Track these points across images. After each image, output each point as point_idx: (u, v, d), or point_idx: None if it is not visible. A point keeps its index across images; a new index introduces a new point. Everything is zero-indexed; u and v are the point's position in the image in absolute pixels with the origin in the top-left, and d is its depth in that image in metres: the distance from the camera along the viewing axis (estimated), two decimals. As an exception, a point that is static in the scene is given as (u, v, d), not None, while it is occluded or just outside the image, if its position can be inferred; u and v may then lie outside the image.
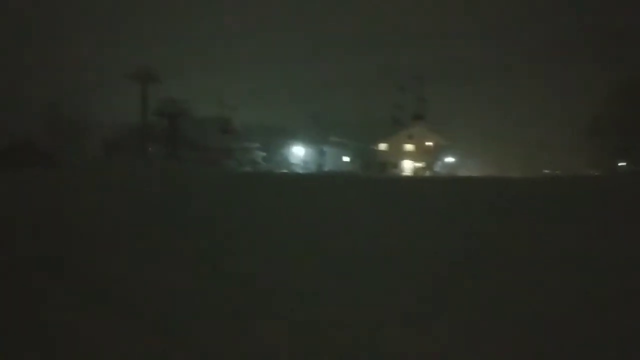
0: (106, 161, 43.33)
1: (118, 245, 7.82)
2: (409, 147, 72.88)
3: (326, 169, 67.92)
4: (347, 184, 24.86)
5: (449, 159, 73.63)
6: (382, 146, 75.14)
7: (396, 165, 70.90)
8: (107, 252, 7.25)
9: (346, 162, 77.12)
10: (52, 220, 10.09)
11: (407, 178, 40.86)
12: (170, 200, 14.67)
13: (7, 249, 7.23)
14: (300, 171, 58.08)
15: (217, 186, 21.45)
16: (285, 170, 57.27)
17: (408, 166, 71.60)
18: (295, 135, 75.65)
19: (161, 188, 19.58)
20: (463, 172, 61.63)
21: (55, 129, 64.98)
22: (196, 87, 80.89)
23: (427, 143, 72.19)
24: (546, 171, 64.16)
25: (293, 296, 5.30)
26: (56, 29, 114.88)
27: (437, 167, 70.51)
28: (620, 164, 55.01)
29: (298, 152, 76.06)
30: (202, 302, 5.03)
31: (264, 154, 71.33)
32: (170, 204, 13.88)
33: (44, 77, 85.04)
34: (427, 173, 65.88)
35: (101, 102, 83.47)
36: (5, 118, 64.03)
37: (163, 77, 50.66)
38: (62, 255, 7.05)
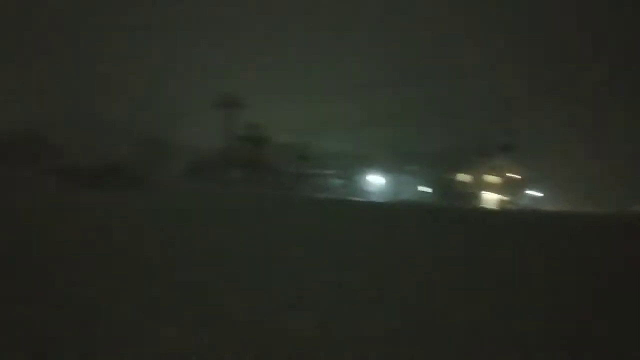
0: (190, 184, 44.76)
1: (199, 265, 7.62)
2: (492, 178, 69.94)
3: (402, 198, 66.66)
4: (423, 214, 24.02)
5: (536, 193, 70.04)
6: (463, 177, 72.70)
7: (477, 197, 68.22)
8: (186, 271, 7.05)
9: (423, 192, 75.40)
10: (136, 241, 10.14)
11: (488, 211, 39.07)
12: (246, 223, 14.63)
13: (95, 264, 7.21)
14: (376, 199, 57.33)
15: (290, 211, 21.38)
16: (360, 198, 56.79)
17: (490, 198, 68.66)
18: (372, 162, 75.17)
19: (239, 210, 19.75)
20: (550, 207, 58.28)
21: (144, 153, 68.64)
22: (277, 114, 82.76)
23: (512, 175, 68.97)
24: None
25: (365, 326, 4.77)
26: (144, 56, 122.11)
27: (522, 201, 67.17)
28: None
29: (374, 180, 75.42)
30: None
31: (340, 180, 71.34)
32: (246, 226, 13.80)
33: (134, 103, 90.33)
34: (511, 207, 62.86)
35: (188, 127, 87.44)
36: (97, 142, 68.42)
37: (246, 104, 52.19)
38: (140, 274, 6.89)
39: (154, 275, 7.21)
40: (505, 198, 67.89)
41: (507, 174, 69.08)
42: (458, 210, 31.92)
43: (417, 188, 75.66)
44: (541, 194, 70.67)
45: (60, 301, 5.61)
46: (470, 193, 67.93)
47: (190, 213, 18.45)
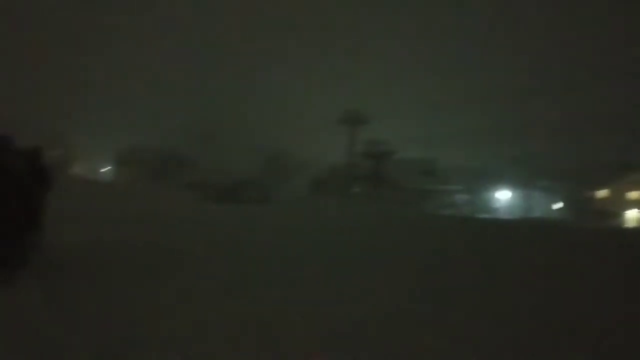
0: (312, 199, 45.55)
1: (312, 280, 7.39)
2: (636, 194, 63.09)
3: (533, 215, 62.24)
4: (558, 233, 22.00)
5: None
6: (601, 193, 66.45)
7: (618, 215, 61.85)
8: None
9: (557, 209, 69.99)
10: (265, 254, 10.21)
11: (631, 230, 34.95)
12: (369, 240, 14.23)
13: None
14: (504, 217, 54.19)
15: (414, 228, 20.66)
16: (488, 215, 54.02)
17: (634, 216, 61.89)
18: (499, 178, 71.45)
19: (361, 227, 19.45)
20: None
21: (270, 169, 71.38)
22: (400, 128, 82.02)
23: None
24: None
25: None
26: (270, 74, 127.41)
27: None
28: None
29: (502, 196, 71.61)
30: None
31: (467, 196, 68.66)
32: (369, 243, 13.40)
33: (262, 122, 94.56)
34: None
35: (312, 143, 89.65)
36: (231, 159, 72.36)
37: (370, 119, 52.26)
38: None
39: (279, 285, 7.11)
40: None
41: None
42: (598, 229, 28.96)
43: (550, 205, 70.57)
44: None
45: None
46: (611, 211, 61.80)
47: (314, 228, 18.48)
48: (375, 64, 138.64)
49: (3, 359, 4.05)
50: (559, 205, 70.58)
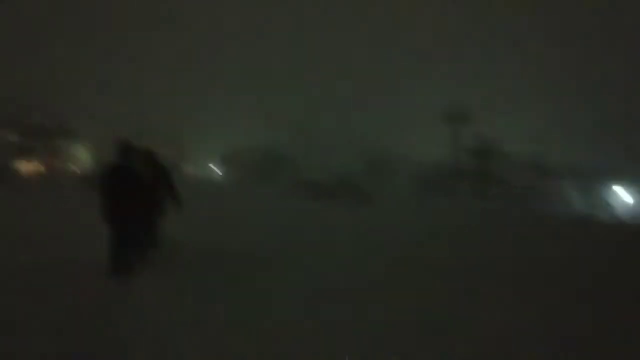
0: (416, 198, 44.60)
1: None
2: None
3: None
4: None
5: None
6: None
7: None
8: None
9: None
10: (361, 256, 9.98)
11: None
12: (476, 240, 13.48)
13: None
14: (621, 217, 49.62)
15: (523, 228, 19.44)
16: (602, 215, 49.82)
17: None
18: (619, 174, 65.76)
19: (468, 226, 18.61)
20: None
21: (373, 167, 71.02)
22: (508, 124, 78.30)
23: None
24: None
25: None
26: (371, 73, 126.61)
27: None
28: None
29: (619, 195, 65.86)
30: None
31: (579, 194, 64.03)
32: (475, 243, 12.68)
33: (363, 121, 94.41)
34: None
35: (415, 141, 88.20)
36: (334, 158, 72.94)
37: (475, 115, 50.26)
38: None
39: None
40: None
41: None
42: None
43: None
44: None
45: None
46: None
47: (419, 228, 17.96)
48: (480, 58, 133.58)
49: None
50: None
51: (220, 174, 78.63)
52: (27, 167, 51.30)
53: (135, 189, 6.74)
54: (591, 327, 5.73)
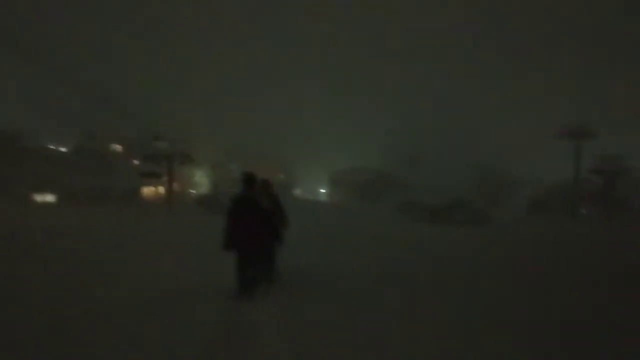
0: (530, 220, 41.97)
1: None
2: None
3: None
4: None
5: None
6: None
7: None
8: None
9: None
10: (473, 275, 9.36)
11: None
12: (595, 262, 12.16)
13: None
14: None
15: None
16: None
17: None
18: None
19: (588, 249, 16.92)
20: None
21: (484, 188, 68.28)
22: (632, 142, 71.83)
23: None
24: None
25: None
26: (480, 91, 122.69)
27: None
28: None
29: None
30: None
31: None
32: (597, 265, 11.42)
33: (474, 139, 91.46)
34: None
35: (529, 160, 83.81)
36: (443, 179, 71.26)
37: (599, 133, 46.40)
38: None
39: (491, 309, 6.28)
40: None
41: None
42: None
43: None
44: None
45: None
46: None
47: (535, 248, 16.72)
48: (597, 72, 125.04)
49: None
50: None
51: (328, 196, 79.72)
52: (150, 190, 55.44)
53: (259, 217, 7.24)
54: None
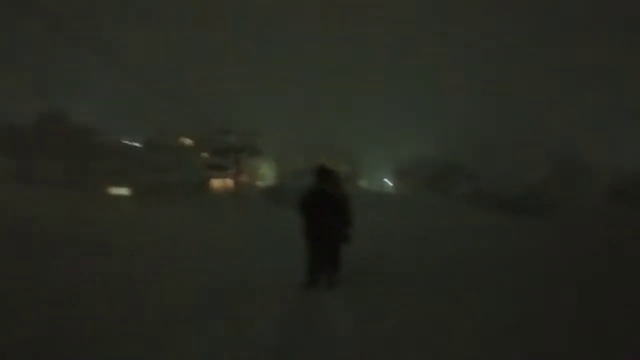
0: (610, 210, 39.54)
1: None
2: None
3: None
4: None
5: None
6: None
7: None
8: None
9: None
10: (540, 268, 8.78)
11: None
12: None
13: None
14: None
15: None
16: None
17: None
18: None
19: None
20: None
21: (558, 177, 65.24)
22: None
23: None
24: None
25: None
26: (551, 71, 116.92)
27: None
28: None
29: None
30: None
31: None
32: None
33: (548, 125, 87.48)
34: None
35: (608, 146, 79.30)
36: (515, 168, 68.61)
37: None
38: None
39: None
40: None
41: None
42: None
43: None
44: None
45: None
46: None
47: (613, 240, 15.64)
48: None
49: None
50: None
51: (393, 186, 78.70)
52: (219, 182, 56.70)
53: (334, 211, 7.26)
54: None
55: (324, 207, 7.24)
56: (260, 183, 73.25)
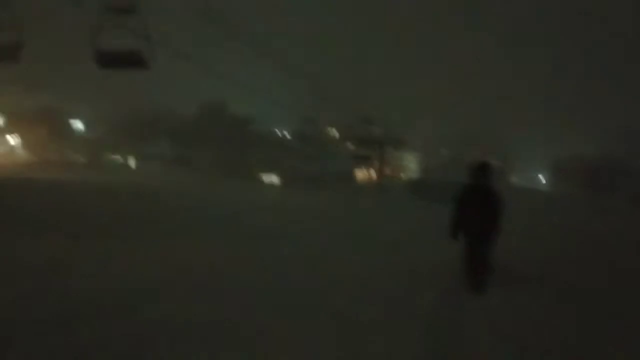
0: None
1: None
2: None
3: None
4: None
5: None
6: None
7: None
8: None
9: None
10: None
11: None
12: None
13: None
14: None
15: None
16: None
17: None
18: None
19: None
20: None
21: None
22: None
23: None
24: None
25: None
26: None
27: None
28: None
29: None
30: None
31: None
32: None
33: None
34: None
35: None
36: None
37: None
38: None
39: None
40: None
41: None
42: None
43: None
44: None
45: None
46: None
47: None
48: None
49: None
50: None
51: (546, 183, 73.14)
52: (363, 173, 57.11)
53: (493, 209, 6.94)
54: None
55: (484, 204, 6.93)
56: (404, 175, 72.42)
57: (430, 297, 6.47)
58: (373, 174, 51.76)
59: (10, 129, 47.76)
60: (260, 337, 4.46)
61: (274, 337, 4.46)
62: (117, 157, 51.79)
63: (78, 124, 58.16)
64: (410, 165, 79.43)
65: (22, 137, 45.97)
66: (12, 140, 48.05)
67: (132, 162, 51.20)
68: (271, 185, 44.61)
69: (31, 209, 13.13)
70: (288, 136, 66.11)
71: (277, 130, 67.02)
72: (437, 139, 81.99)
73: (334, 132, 71.57)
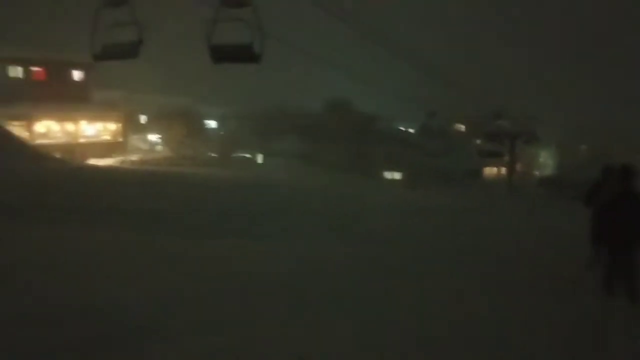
0: None
1: None
2: None
3: None
4: None
5: None
6: None
7: None
8: None
9: None
10: None
11: None
12: None
13: None
14: None
15: None
16: None
17: None
18: None
19: None
20: None
21: None
22: None
23: None
24: None
25: None
26: None
27: None
28: None
29: None
30: None
31: None
32: None
33: None
34: None
35: None
36: None
37: None
38: None
39: None
40: None
41: None
42: None
43: None
44: None
45: None
46: None
47: None
48: None
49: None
50: None
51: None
52: (493, 170, 54.95)
53: (636, 214, 6.50)
54: None
55: (628, 211, 6.49)
56: (538, 173, 68.39)
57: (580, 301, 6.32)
58: (503, 170, 49.59)
59: (152, 128, 52.70)
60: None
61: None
62: (245, 154, 54.46)
63: (212, 123, 62.20)
64: (545, 162, 75.01)
65: (162, 135, 50.13)
66: (153, 138, 52.86)
67: (259, 158, 53.62)
68: (396, 181, 44.41)
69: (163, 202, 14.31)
70: (413, 132, 65.32)
71: (401, 126, 66.46)
72: (574, 132, 76.25)
73: (462, 127, 69.51)
